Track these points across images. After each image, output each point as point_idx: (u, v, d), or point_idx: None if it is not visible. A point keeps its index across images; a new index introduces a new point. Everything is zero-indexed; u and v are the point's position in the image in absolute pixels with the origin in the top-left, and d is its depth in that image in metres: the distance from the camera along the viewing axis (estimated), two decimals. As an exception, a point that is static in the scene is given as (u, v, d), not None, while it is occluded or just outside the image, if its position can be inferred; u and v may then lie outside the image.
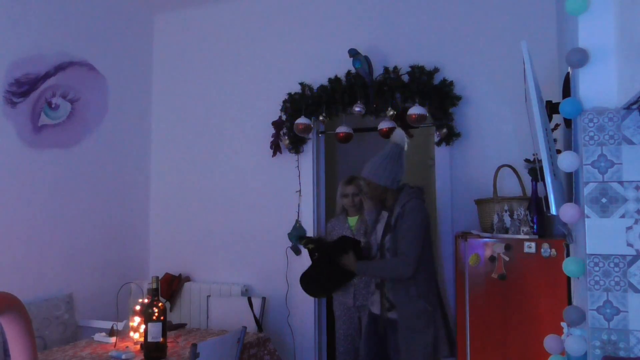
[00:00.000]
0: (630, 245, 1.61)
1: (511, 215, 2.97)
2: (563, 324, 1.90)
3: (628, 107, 1.61)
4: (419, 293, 2.84)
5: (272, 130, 3.96)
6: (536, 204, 2.94)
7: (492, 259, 2.89)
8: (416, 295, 2.83)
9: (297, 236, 3.83)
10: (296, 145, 3.89)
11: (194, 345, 2.50)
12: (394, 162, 2.93)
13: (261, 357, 3.17)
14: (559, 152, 1.94)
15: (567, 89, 2.02)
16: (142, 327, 2.81)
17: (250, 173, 4.12)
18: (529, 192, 3.10)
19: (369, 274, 3.08)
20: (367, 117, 3.70)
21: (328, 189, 4.22)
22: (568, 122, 1.98)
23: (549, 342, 1.91)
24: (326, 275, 3.08)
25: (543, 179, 1.78)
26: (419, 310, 2.83)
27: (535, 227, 2.92)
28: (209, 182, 4.30)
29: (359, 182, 3.56)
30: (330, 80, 3.78)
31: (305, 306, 3.88)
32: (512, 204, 3.02)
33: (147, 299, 2.76)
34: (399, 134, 3.03)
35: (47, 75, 3.64)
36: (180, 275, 4.21)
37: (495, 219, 3.02)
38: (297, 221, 3.92)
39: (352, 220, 3.70)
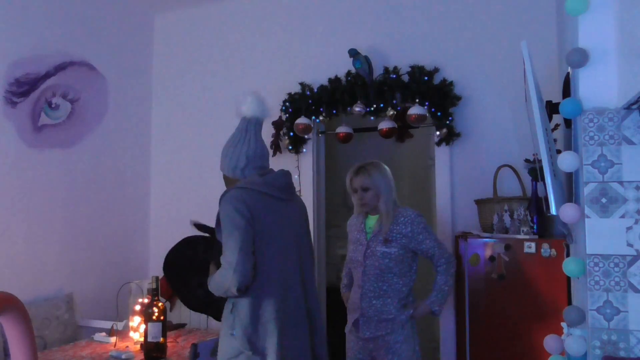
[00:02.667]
0: (630, 245, 1.61)
1: (511, 215, 2.97)
2: (563, 324, 1.90)
3: (628, 107, 1.61)
4: (235, 324, 2.05)
5: (272, 130, 3.96)
6: (536, 204, 2.94)
7: (492, 259, 2.89)
8: (231, 326, 2.06)
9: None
10: (296, 145, 3.89)
11: (194, 345, 2.50)
12: (239, 143, 2.20)
13: (261, 357, 3.17)
14: (559, 152, 1.94)
15: (567, 89, 2.02)
16: (142, 327, 2.81)
17: (250, 173, 4.12)
18: (529, 192, 3.10)
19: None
20: (367, 117, 3.70)
21: (328, 189, 4.21)
22: (568, 122, 1.98)
23: (549, 342, 1.91)
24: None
25: (543, 179, 1.78)
26: (230, 352, 2.05)
27: (535, 227, 2.92)
28: (209, 182, 4.29)
29: (371, 172, 2.71)
30: (330, 80, 3.78)
31: (305, 306, 3.88)
32: (512, 204, 3.02)
33: (147, 299, 2.76)
34: (247, 101, 2.22)
35: (47, 75, 3.64)
36: (180, 275, 4.21)
37: (495, 219, 3.02)
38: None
39: (371, 220, 2.77)
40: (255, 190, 2.11)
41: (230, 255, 2.00)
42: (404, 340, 2.62)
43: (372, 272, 2.66)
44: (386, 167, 2.80)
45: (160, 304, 2.70)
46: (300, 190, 3.91)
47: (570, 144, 1.98)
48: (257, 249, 2.06)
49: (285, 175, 2.28)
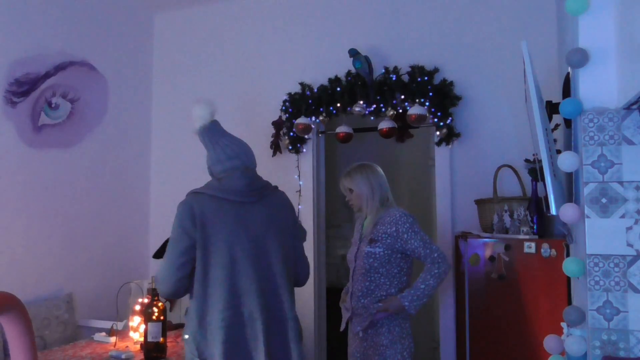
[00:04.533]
0: (630, 245, 1.61)
1: (511, 215, 2.97)
2: (563, 324, 1.90)
3: (628, 107, 1.61)
4: (187, 328, 2.10)
5: (272, 130, 3.96)
6: (536, 204, 2.94)
7: (492, 259, 2.89)
8: (185, 330, 2.13)
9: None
10: (296, 145, 3.89)
11: (194, 345, 2.49)
12: (208, 159, 2.27)
13: (261, 357, 3.17)
14: (559, 152, 1.94)
15: (567, 89, 2.01)
16: (142, 327, 2.81)
17: (250, 173, 4.12)
18: (529, 192, 3.10)
19: None
20: (367, 117, 3.70)
21: (328, 189, 4.22)
22: (568, 122, 1.98)
23: (549, 342, 1.91)
24: None
25: (543, 179, 1.78)
26: (188, 356, 2.09)
27: (535, 227, 2.92)
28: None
29: (353, 174, 2.80)
30: (330, 80, 3.78)
31: (305, 306, 3.88)
32: (512, 204, 3.02)
33: (147, 298, 2.76)
34: (192, 116, 2.24)
35: (47, 75, 3.64)
36: (180, 275, 4.20)
37: (495, 219, 3.02)
38: (297, 221, 3.91)
39: (366, 221, 2.84)
40: (208, 195, 2.12)
41: (161, 267, 2.11)
42: (390, 344, 2.60)
43: (359, 272, 2.68)
44: (377, 169, 2.81)
45: (160, 304, 2.70)
46: (300, 190, 3.91)
47: (570, 144, 1.98)
48: (203, 256, 2.05)
49: (245, 176, 2.16)
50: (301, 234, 2.41)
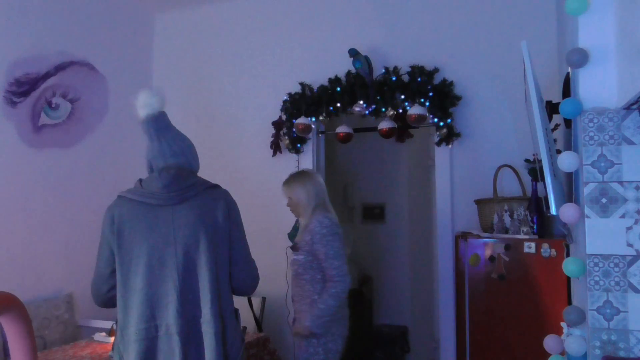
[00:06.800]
0: (630, 245, 1.61)
1: (511, 215, 2.97)
2: (563, 324, 1.90)
3: (628, 107, 1.61)
4: (115, 339, 2.07)
5: (272, 130, 3.96)
6: (536, 204, 2.94)
7: (492, 259, 2.89)
8: (115, 340, 2.09)
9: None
10: (296, 145, 3.89)
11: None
12: (146, 150, 2.20)
13: (261, 357, 3.17)
14: (559, 152, 1.94)
15: (567, 89, 2.01)
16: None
17: (250, 173, 4.13)
18: (529, 192, 3.10)
19: None
20: (367, 117, 3.70)
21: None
22: (568, 122, 1.98)
23: (549, 342, 1.91)
24: None
25: (543, 179, 1.78)
26: None
27: (535, 227, 2.92)
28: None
29: (291, 182, 2.92)
30: (330, 80, 3.78)
31: (305, 306, 3.88)
32: (512, 204, 3.02)
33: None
34: (138, 103, 2.10)
35: (47, 75, 3.63)
36: (180, 275, 4.20)
37: (495, 219, 3.02)
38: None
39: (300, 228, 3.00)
40: (128, 199, 1.99)
41: (93, 277, 2.05)
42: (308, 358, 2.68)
43: (291, 277, 2.83)
44: (316, 177, 2.92)
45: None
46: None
47: (570, 144, 1.98)
48: (121, 264, 1.93)
49: (162, 177, 1.99)
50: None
